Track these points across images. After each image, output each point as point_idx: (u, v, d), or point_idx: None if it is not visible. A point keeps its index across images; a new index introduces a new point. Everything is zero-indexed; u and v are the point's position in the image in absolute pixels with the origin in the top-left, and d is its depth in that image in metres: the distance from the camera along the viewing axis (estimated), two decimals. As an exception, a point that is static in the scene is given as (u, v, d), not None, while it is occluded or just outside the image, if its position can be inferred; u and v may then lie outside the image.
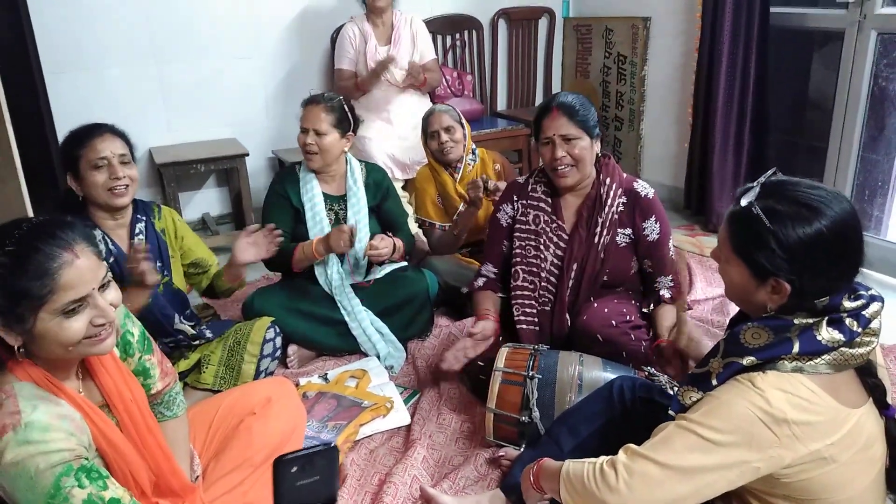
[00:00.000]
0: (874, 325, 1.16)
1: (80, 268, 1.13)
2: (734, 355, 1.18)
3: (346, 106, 2.45)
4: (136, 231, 2.08)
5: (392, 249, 2.43)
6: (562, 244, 2.14)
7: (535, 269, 2.15)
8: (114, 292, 1.21)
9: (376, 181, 2.57)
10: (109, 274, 1.21)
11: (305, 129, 2.40)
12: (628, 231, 2.12)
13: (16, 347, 1.13)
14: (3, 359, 1.16)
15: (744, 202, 1.16)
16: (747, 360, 1.16)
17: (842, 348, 1.14)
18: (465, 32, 4.15)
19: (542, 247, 2.15)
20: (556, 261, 2.14)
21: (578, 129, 2.03)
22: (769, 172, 1.21)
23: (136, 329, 1.44)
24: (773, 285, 1.16)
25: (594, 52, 4.32)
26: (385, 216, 2.60)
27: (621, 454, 1.22)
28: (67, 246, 1.12)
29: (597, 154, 2.12)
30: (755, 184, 1.19)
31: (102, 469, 1.17)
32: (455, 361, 2.04)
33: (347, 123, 2.44)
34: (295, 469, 1.09)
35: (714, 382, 1.19)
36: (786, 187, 1.16)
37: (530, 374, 1.85)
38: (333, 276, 2.46)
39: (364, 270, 2.55)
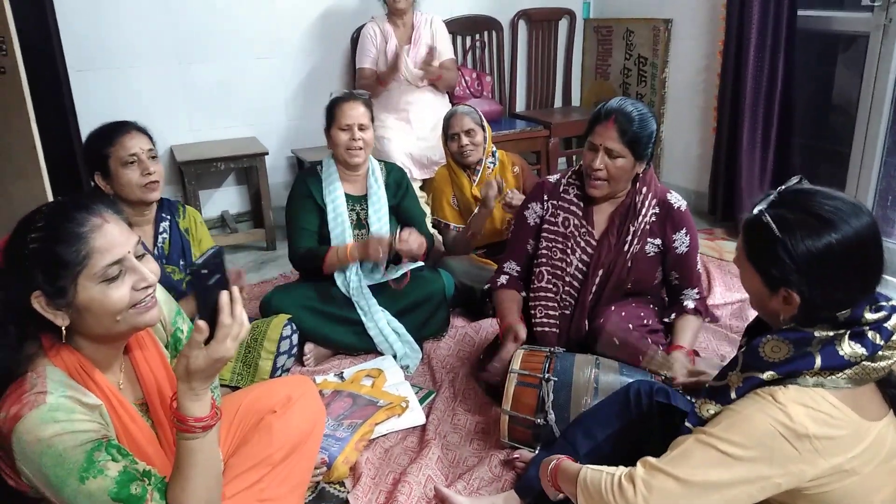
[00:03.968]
0: (896, 337, 1.15)
1: (111, 231, 1.15)
2: (754, 369, 1.16)
3: None
4: (161, 229, 2.11)
5: (419, 243, 2.42)
6: (589, 249, 2.12)
7: (559, 272, 2.14)
8: (152, 264, 1.23)
9: (396, 181, 2.60)
10: (142, 248, 1.22)
11: (348, 125, 2.41)
12: (658, 241, 2.11)
13: (62, 328, 1.15)
14: (45, 343, 1.18)
15: (756, 210, 1.15)
16: (767, 375, 1.14)
17: (864, 362, 1.12)
18: (485, 33, 4.15)
19: (568, 250, 2.13)
20: (581, 265, 2.13)
21: (625, 147, 1.99)
22: (793, 180, 1.20)
23: (185, 326, 1.48)
24: (784, 296, 1.14)
25: (614, 54, 4.30)
26: (403, 215, 2.61)
27: (639, 468, 1.21)
28: (95, 212, 1.16)
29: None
30: (774, 191, 1.17)
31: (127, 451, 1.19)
32: (502, 370, 2.01)
33: (373, 119, 2.52)
34: (205, 271, 1.14)
35: (733, 396, 1.18)
36: (801, 197, 1.14)
37: (546, 376, 1.84)
38: (352, 277, 2.47)
39: (382, 270, 2.54)
